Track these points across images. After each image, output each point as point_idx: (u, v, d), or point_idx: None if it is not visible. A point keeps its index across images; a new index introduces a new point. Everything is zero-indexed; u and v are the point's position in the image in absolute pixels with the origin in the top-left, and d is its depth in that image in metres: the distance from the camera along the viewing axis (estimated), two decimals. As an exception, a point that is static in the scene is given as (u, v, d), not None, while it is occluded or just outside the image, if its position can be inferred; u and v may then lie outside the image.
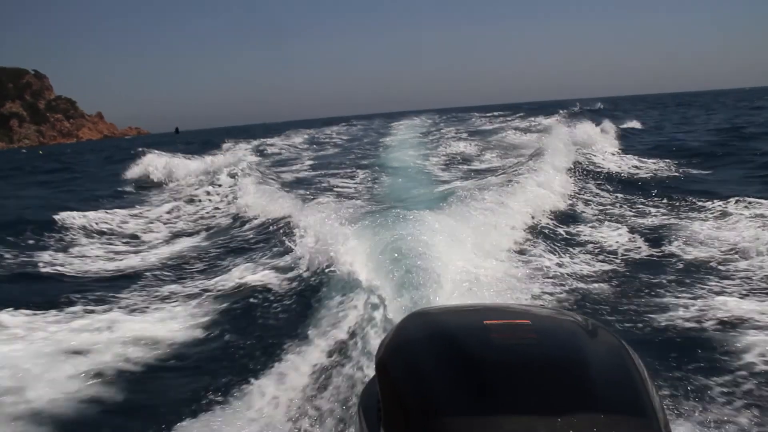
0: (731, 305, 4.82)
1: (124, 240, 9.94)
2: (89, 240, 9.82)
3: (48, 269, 7.74)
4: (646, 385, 1.43)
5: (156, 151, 22.36)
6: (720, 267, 5.95)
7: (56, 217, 10.67)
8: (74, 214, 11.02)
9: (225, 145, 29.75)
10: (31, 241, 9.43)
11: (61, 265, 7.98)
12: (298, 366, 4.06)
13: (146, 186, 17.97)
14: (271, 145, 32.45)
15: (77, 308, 5.69)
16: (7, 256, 8.42)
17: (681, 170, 12.97)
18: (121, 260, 8.28)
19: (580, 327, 1.69)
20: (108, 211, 12.09)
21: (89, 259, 8.44)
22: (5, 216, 11.83)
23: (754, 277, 5.53)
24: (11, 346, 4.58)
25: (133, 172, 20.54)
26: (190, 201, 13.46)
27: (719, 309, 4.76)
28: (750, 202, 8.27)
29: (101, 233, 10.41)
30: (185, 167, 18.82)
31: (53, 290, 6.63)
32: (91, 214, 11.36)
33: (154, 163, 20.23)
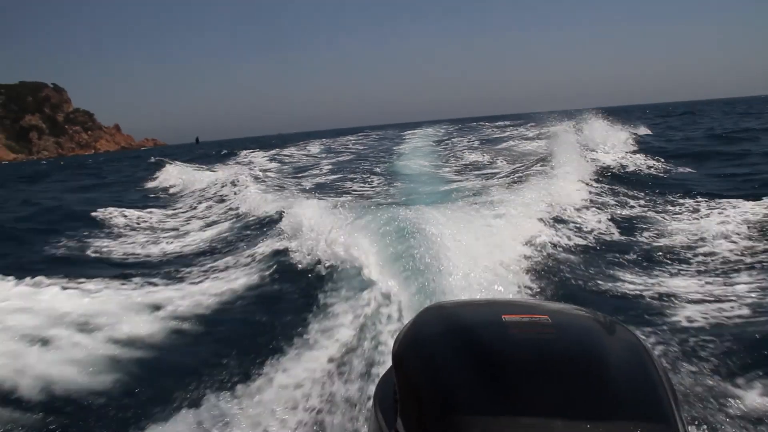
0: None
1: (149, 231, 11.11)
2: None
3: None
4: (664, 386, 1.43)
5: (173, 162, 23.95)
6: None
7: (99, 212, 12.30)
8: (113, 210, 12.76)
9: (243, 153, 30.80)
10: (85, 232, 10.82)
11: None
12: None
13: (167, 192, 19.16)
14: (289, 155, 33.36)
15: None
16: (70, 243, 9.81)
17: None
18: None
19: (598, 323, 1.69)
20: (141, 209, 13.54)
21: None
22: (63, 210, 13.84)
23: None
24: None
25: (157, 181, 21.97)
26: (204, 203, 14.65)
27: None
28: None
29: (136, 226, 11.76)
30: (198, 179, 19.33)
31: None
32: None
33: (171, 174, 21.83)
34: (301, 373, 3.89)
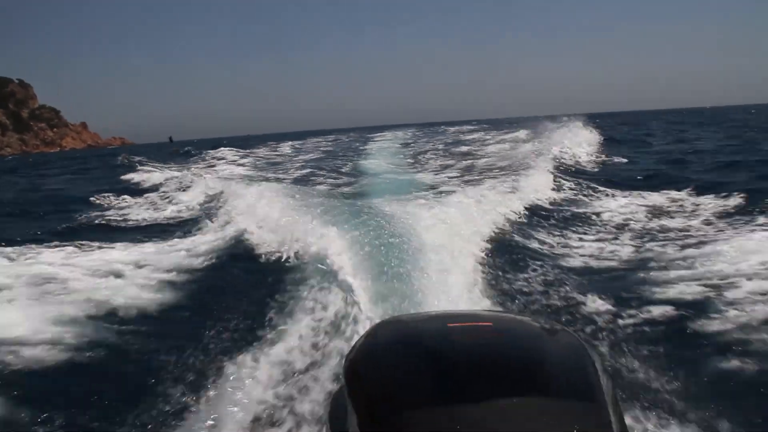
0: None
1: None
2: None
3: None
4: (598, 377, 1.55)
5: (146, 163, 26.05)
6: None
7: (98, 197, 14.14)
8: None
9: (213, 151, 32.83)
10: (97, 210, 12.67)
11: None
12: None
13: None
14: (262, 156, 34.29)
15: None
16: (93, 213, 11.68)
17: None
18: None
19: (541, 328, 1.84)
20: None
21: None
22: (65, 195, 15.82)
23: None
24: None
25: (138, 174, 23.17)
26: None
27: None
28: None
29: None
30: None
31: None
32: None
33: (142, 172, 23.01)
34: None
